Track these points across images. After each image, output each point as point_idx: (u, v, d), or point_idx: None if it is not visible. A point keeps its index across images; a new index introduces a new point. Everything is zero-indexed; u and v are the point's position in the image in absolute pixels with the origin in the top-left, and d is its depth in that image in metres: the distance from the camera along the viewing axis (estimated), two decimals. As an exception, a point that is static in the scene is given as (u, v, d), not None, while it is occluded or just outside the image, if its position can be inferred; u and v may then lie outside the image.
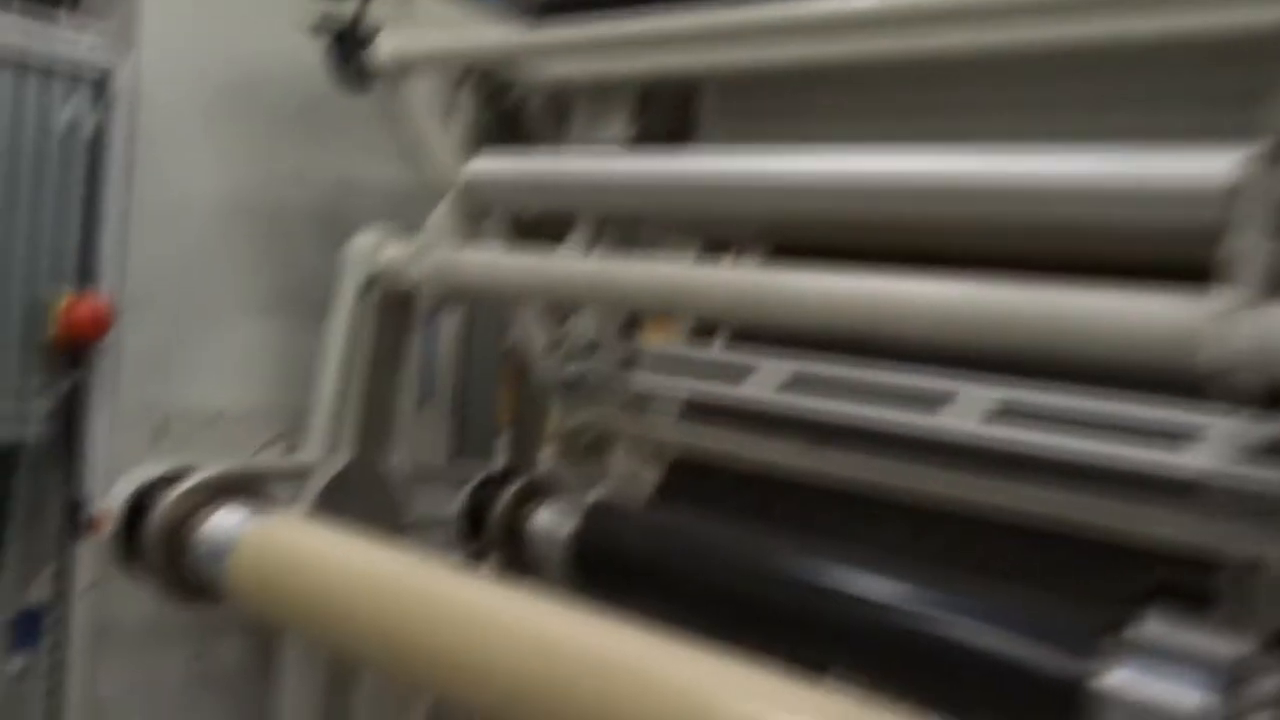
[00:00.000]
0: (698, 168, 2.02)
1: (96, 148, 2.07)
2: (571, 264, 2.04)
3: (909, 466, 2.12)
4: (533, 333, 2.48)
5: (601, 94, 2.50)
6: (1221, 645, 1.55)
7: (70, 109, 2.02)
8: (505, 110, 2.59)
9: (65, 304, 2.00)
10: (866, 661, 1.79)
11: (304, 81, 2.41)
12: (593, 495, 2.47)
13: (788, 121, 2.40)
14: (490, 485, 2.52)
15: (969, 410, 2.05)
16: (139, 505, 1.93)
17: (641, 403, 2.65)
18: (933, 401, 2.09)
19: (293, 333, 2.43)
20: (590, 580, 2.26)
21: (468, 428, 2.81)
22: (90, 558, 2.11)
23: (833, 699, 1.28)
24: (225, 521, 1.84)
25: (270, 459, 2.23)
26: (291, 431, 2.41)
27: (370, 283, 2.26)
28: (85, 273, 2.07)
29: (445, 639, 1.50)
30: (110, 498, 1.97)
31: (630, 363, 2.53)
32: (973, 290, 1.67)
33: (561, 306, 2.43)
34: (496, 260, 2.16)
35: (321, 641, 1.69)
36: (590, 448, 2.65)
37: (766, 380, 2.30)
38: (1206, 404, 1.81)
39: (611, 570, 2.25)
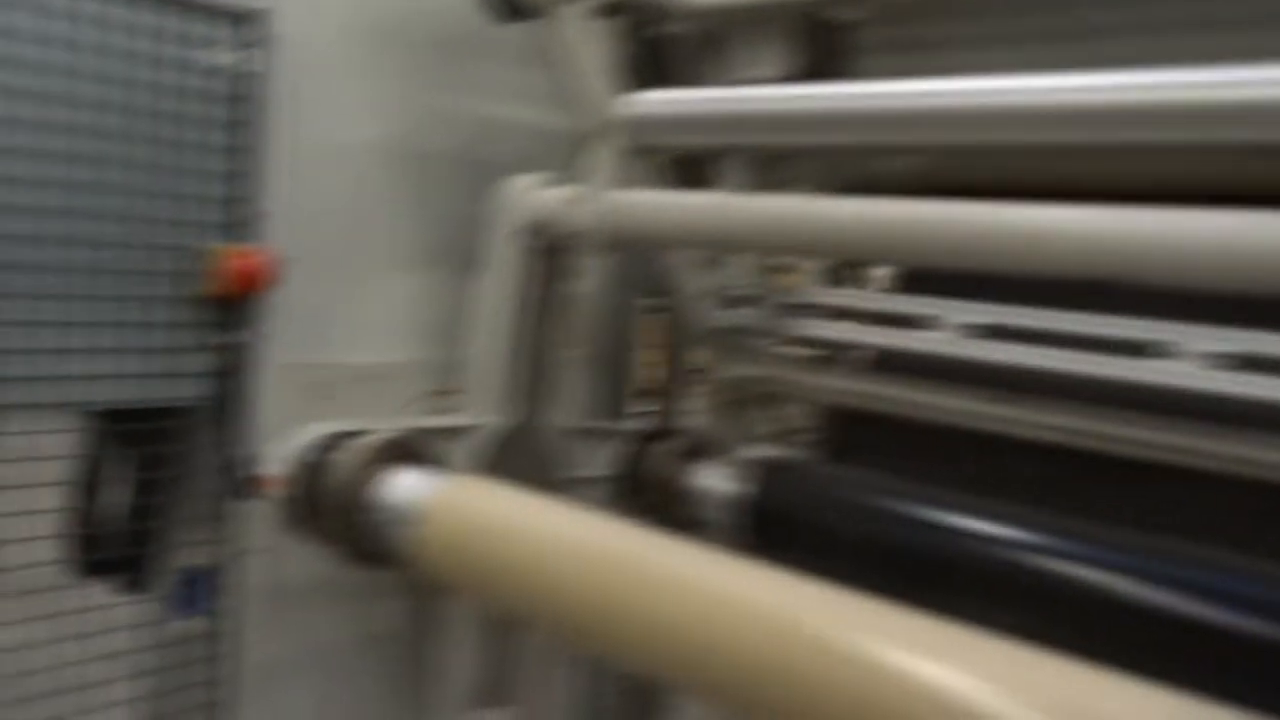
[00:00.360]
0: (884, 99, 1.84)
1: (242, 89, 1.96)
2: (765, 205, 1.88)
3: (1115, 419, 1.96)
4: (688, 281, 2.35)
5: (759, 25, 2.34)
6: None
7: (215, 48, 1.92)
8: (649, 45, 2.44)
9: (225, 257, 1.91)
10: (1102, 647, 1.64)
11: (445, 17, 2.29)
12: (760, 452, 2.35)
13: (944, 53, 2.22)
14: (646, 442, 2.42)
15: (1188, 358, 1.87)
16: (312, 466, 1.85)
17: (805, 353, 2.51)
18: (1144, 349, 1.92)
19: (440, 283, 2.33)
20: (768, 541, 2.15)
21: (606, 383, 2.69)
22: (254, 519, 2.04)
23: (1093, 679, 1.15)
24: (405, 485, 1.75)
25: (434, 418, 2.13)
26: (443, 385, 2.32)
27: (526, 230, 2.14)
28: (233, 224, 1.98)
29: (659, 609, 1.39)
30: (278, 459, 1.90)
31: (793, 311, 2.39)
32: (1206, 219, 1.48)
33: (728, 251, 2.29)
34: (672, 202, 2.02)
35: (516, 610, 1.58)
36: (743, 401, 2.52)
37: (952, 328, 2.14)
38: None
39: (796, 531, 2.13)
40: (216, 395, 2.00)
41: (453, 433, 2.09)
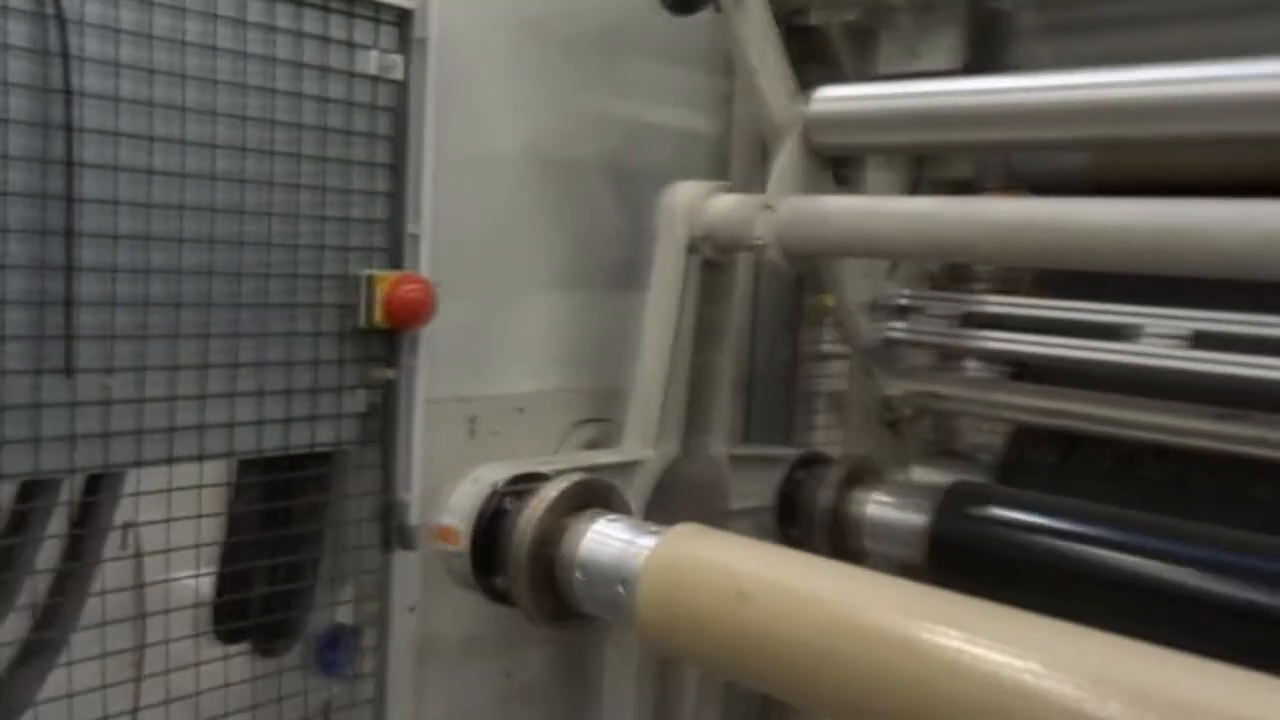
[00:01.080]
0: (1098, 91, 1.64)
1: (397, 99, 1.77)
2: (967, 209, 1.69)
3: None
4: (851, 291, 2.16)
5: (925, 12, 2.15)
6: None
7: (376, 52, 1.72)
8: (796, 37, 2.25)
9: (388, 286, 1.72)
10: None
11: (593, 11, 2.10)
12: (930, 475, 2.18)
13: (1097, 36, 2.05)
14: (806, 468, 2.23)
15: None
16: (491, 517, 1.66)
17: (978, 366, 2.33)
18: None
19: (591, 303, 2.14)
20: (954, 571, 1.97)
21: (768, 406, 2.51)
22: (408, 572, 1.85)
23: None
24: (607, 538, 1.56)
25: (601, 454, 1.94)
26: (593, 414, 2.14)
27: (697, 242, 1.95)
28: (390, 249, 1.79)
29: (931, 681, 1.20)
30: (451, 508, 1.71)
31: (964, 321, 2.20)
32: None
33: (925, 259, 2.10)
34: (865, 208, 1.83)
35: (760, 682, 1.39)
36: (906, 420, 2.33)
37: (1156, 337, 1.95)
38: None
39: (987, 561, 1.94)
40: (370, 436, 1.81)
41: (623, 468, 1.90)
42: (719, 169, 2.37)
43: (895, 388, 2.24)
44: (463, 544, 1.68)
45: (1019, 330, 2.12)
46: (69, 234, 1.41)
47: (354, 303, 1.74)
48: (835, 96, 1.87)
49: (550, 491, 1.64)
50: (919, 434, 2.37)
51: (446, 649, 1.98)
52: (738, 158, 2.41)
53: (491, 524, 1.66)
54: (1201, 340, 1.90)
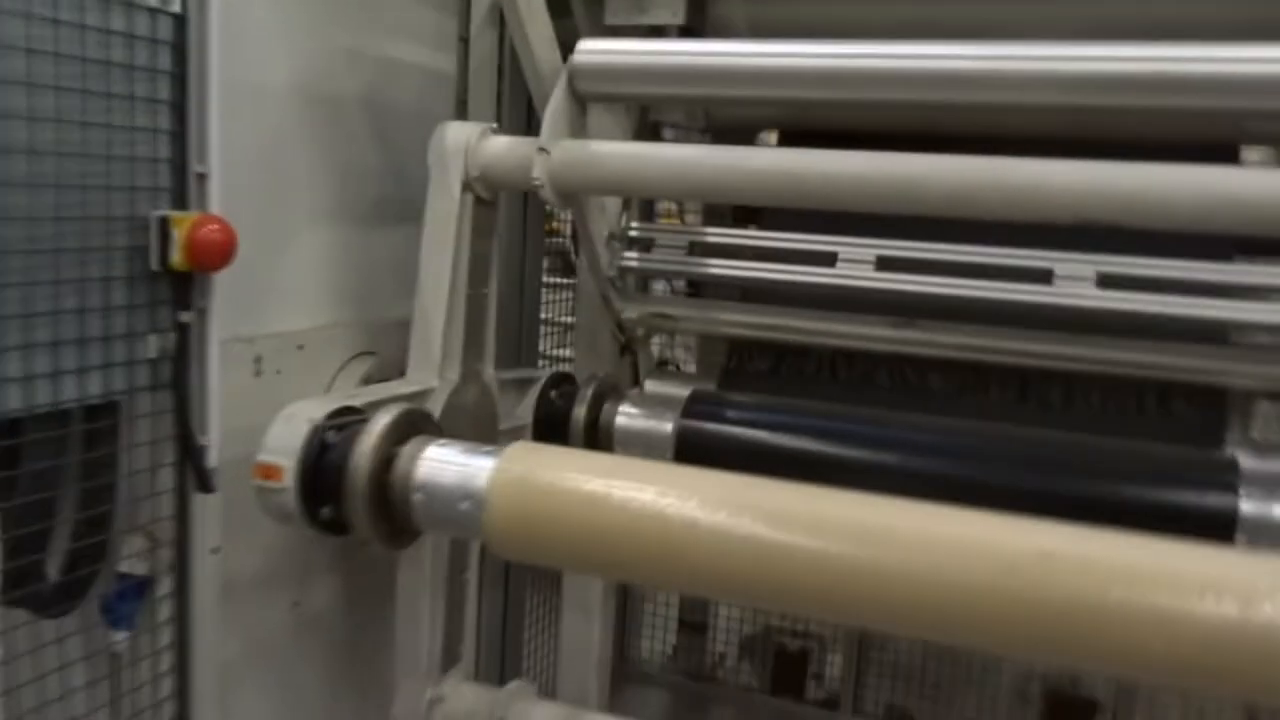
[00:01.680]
0: (810, 58, 1.98)
1: (179, 32, 1.71)
2: (733, 156, 1.97)
3: (1004, 335, 2.28)
4: (595, 225, 2.38)
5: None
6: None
7: (155, -13, 1.66)
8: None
9: (189, 227, 1.68)
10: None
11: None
12: (664, 389, 2.48)
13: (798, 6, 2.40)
14: (556, 388, 2.45)
15: (1071, 280, 2.21)
16: (319, 451, 1.73)
17: (701, 290, 2.64)
18: (1030, 274, 2.23)
19: (357, 239, 2.19)
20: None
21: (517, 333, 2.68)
22: (210, 513, 1.85)
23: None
24: (444, 460, 1.70)
25: (400, 385, 2.03)
26: (367, 347, 2.21)
27: (471, 181, 2.07)
28: (179, 189, 1.74)
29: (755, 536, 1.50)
30: (271, 447, 1.75)
31: (691, 250, 2.50)
32: (1094, 169, 1.79)
33: (677, 198, 2.35)
34: (628, 152, 2.05)
35: (610, 571, 1.62)
36: (639, 340, 2.61)
37: (849, 262, 2.36)
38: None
39: (728, 455, 2.27)
40: (163, 382, 1.78)
41: (417, 396, 2.01)
42: (459, 108, 2.47)
43: (631, 311, 2.50)
44: (287, 480, 1.73)
45: (735, 258, 2.46)
46: None
47: (144, 245, 1.69)
48: (597, 49, 2.06)
49: (380, 422, 1.72)
50: (648, 354, 2.66)
51: (240, 587, 2.00)
52: (474, 98, 2.52)
53: (319, 458, 1.72)
54: (883, 264, 2.33)
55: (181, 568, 1.88)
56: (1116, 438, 2.19)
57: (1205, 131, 2.10)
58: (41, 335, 1.57)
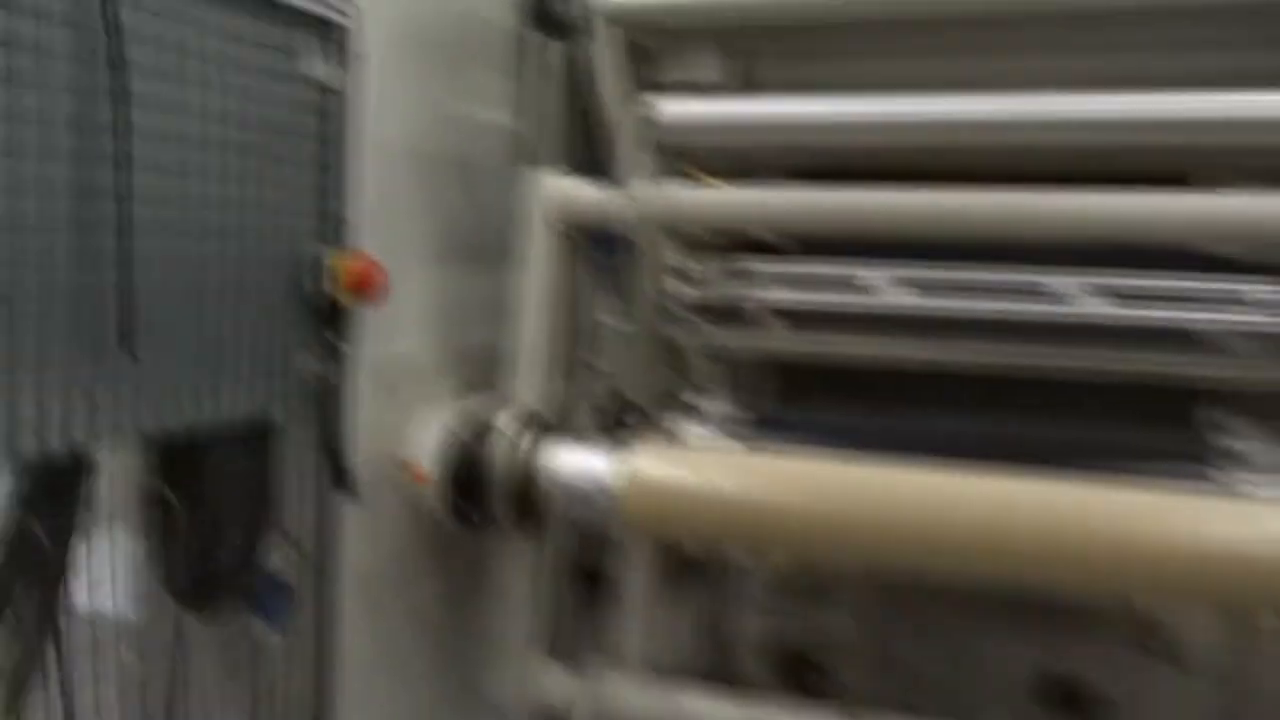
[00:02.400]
0: (889, 112, 2.31)
1: (332, 102, 1.99)
2: (791, 196, 2.29)
3: (1021, 347, 2.59)
4: (662, 265, 2.66)
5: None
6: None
7: (313, 57, 1.94)
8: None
9: (342, 265, 1.95)
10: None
11: (459, 27, 2.42)
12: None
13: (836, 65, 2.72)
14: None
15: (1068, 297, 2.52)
16: (468, 449, 1.99)
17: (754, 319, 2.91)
18: (1034, 293, 2.55)
19: (453, 278, 2.47)
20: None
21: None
22: (354, 515, 2.10)
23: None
24: (576, 459, 1.97)
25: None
26: (462, 373, 2.48)
27: (564, 224, 2.36)
28: (331, 230, 2.01)
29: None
30: (418, 449, 2.01)
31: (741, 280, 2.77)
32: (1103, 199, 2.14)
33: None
34: (718, 198, 2.36)
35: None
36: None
37: (888, 287, 2.65)
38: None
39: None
40: (320, 398, 2.03)
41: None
42: (527, 159, 2.77)
43: (684, 337, 2.78)
44: (434, 482, 1.99)
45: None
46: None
47: (302, 279, 1.96)
48: (679, 110, 2.37)
49: (508, 420, 2.00)
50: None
51: (370, 588, 2.23)
52: (544, 150, 2.82)
53: (461, 461, 1.99)
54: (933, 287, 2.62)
55: (326, 569, 2.12)
56: (1118, 427, 2.52)
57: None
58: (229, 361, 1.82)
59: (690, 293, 2.71)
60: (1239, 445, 2.44)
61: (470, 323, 2.49)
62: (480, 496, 1.99)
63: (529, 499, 1.99)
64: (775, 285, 2.71)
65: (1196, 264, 2.51)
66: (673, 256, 2.72)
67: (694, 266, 2.72)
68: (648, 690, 2.39)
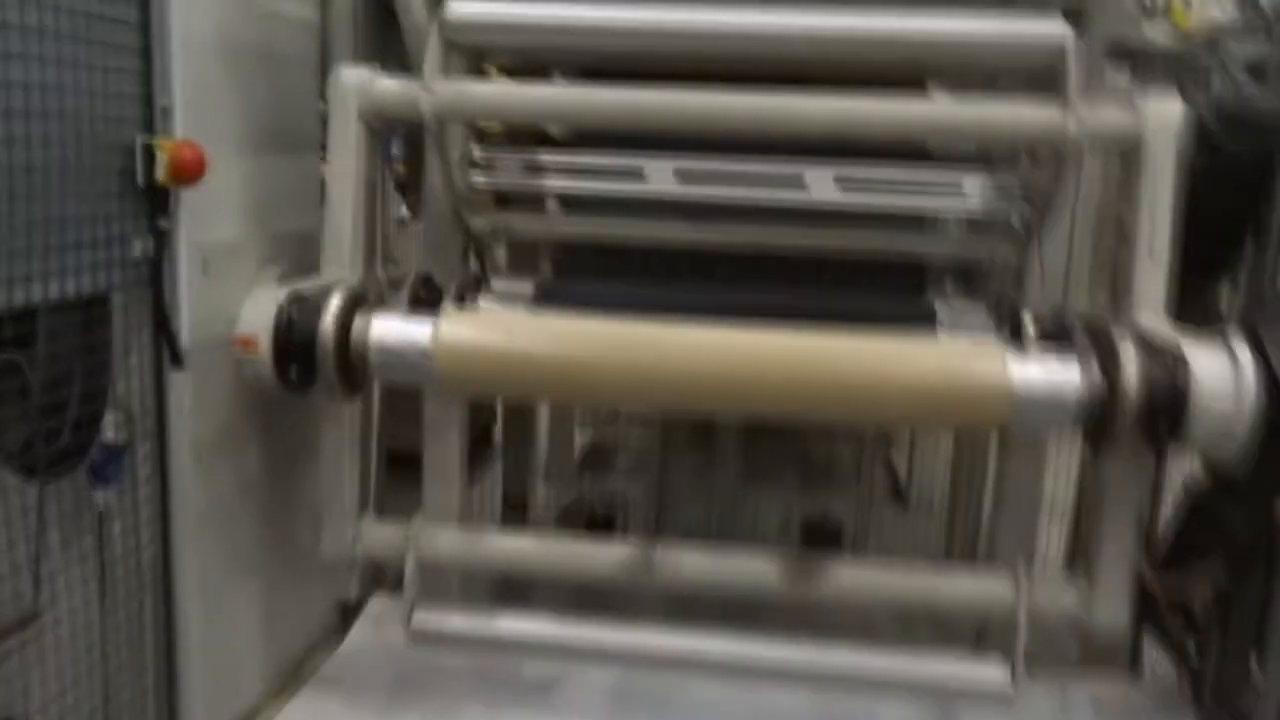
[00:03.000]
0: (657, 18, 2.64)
1: (144, -6, 2.12)
2: (593, 95, 2.59)
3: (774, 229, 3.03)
4: (451, 149, 2.92)
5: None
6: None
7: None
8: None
9: (167, 149, 2.11)
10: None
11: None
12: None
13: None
14: (425, 284, 2.98)
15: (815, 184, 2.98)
16: (291, 323, 2.23)
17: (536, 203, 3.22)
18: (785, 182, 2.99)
19: (263, 166, 2.64)
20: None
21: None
22: (182, 386, 2.29)
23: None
24: (393, 325, 2.25)
25: (317, 279, 2.51)
26: (274, 255, 2.67)
27: (366, 116, 2.58)
28: (151, 117, 2.16)
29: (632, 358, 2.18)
30: (247, 323, 2.23)
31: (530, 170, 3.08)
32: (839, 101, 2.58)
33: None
34: (506, 92, 2.62)
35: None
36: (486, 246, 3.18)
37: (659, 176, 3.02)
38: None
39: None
40: (150, 277, 2.20)
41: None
42: (322, 51, 2.93)
43: (480, 222, 3.06)
44: (263, 350, 2.21)
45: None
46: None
47: (128, 163, 2.11)
48: (468, 10, 2.60)
49: (337, 297, 2.24)
50: (493, 258, 3.23)
51: (204, 449, 2.43)
52: (338, 43, 2.98)
53: (288, 331, 2.22)
54: (681, 176, 3.00)
55: (160, 434, 2.31)
56: (856, 294, 3.01)
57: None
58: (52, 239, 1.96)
59: (481, 180, 2.98)
60: (951, 308, 2.99)
61: (286, 210, 2.68)
62: (308, 363, 2.22)
63: (352, 365, 2.24)
64: (557, 174, 3.02)
65: (925, 158, 3.01)
66: (465, 147, 2.98)
67: (485, 156, 2.99)
68: (463, 536, 2.73)
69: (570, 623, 2.74)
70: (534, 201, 3.19)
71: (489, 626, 2.70)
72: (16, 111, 1.85)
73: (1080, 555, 2.95)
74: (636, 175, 3.01)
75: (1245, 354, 2.07)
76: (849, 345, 2.22)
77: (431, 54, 2.57)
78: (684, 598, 2.92)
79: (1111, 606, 2.51)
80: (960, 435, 3.97)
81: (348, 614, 3.20)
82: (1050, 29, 2.48)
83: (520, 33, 2.65)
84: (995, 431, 3.14)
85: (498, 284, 3.13)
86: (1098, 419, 2.14)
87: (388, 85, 2.58)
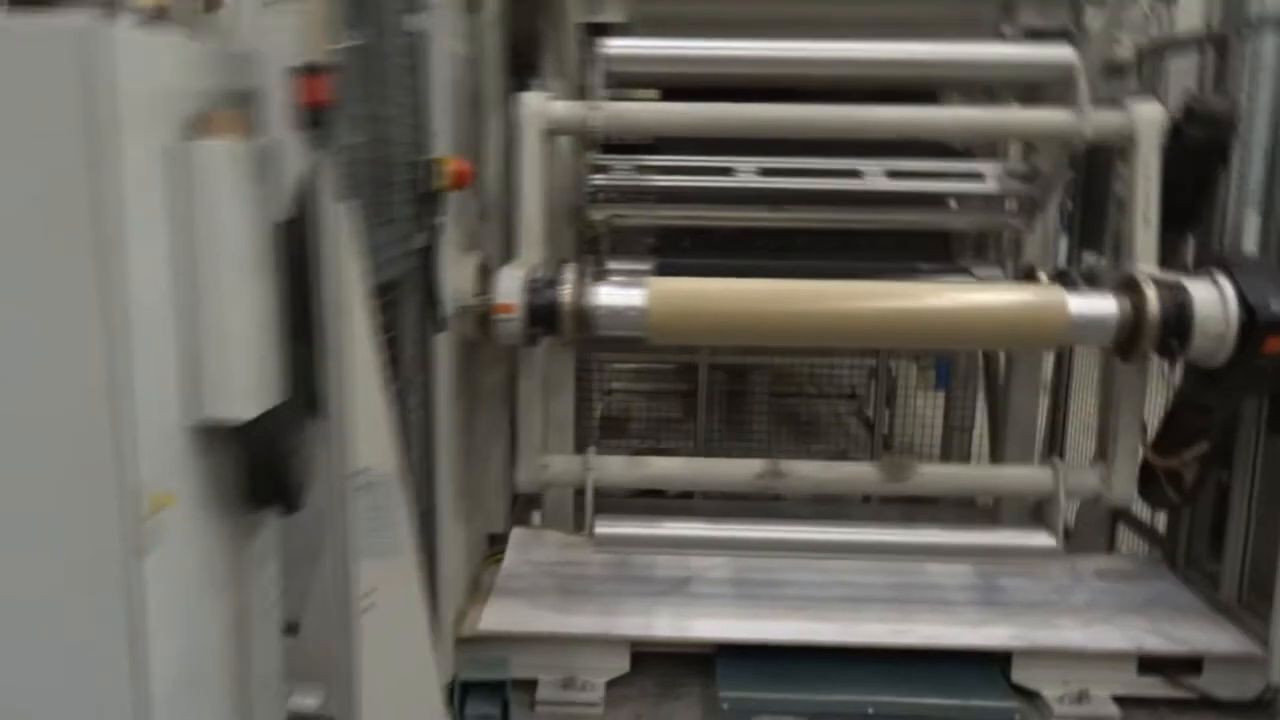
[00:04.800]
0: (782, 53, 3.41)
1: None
2: (712, 110, 3.33)
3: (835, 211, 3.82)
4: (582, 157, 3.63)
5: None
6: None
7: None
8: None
9: (449, 164, 2.77)
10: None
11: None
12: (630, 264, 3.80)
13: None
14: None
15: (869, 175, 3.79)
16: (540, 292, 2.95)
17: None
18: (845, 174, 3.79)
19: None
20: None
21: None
22: (442, 345, 2.96)
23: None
24: (615, 289, 2.99)
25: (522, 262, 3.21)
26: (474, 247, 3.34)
27: (547, 131, 3.27)
28: (424, 140, 2.81)
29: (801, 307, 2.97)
30: (503, 292, 2.94)
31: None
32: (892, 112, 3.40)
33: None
34: (649, 109, 3.36)
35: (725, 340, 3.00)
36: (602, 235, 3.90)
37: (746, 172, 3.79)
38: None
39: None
40: (426, 263, 2.86)
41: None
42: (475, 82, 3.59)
43: (598, 213, 3.77)
44: (518, 312, 2.92)
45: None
46: None
47: (417, 175, 2.76)
48: (620, 44, 3.32)
49: (571, 273, 2.96)
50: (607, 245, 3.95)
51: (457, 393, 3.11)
52: (488, 73, 3.64)
53: (535, 297, 2.92)
54: (763, 172, 3.77)
55: (428, 384, 2.97)
56: (906, 260, 3.84)
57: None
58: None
59: (601, 180, 3.70)
60: (971, 266, 3.85)
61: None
62: (550, 321, 2.94)
63: (583, 321, 2.96)
64: (659, 173, 3.75)
65: (953, 153, 3.85)
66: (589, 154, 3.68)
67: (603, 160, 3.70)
68: (628, 461, 3.46)
69: (707, 525, 3.52)
70: (640, 196, 3.91)
71: (651, 530, 3.44)
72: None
73: (1100, 453, 3.81)
74: (728, 172, 3.77)
75: (1228, 286, 2.94)
76: (958, 291, 3.05)
77: (597, 80, 3.28)
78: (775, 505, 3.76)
79: (1124, 484, 3.40)
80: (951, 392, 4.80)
81: (494, 542, 3.88)
82: (1061, 52, 3.33)
83: (660, 63, 3.39)
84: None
85: (612, 264, 3.86)
86: (1128, 336, 3.00)
87: (559, 106, 3.28)
